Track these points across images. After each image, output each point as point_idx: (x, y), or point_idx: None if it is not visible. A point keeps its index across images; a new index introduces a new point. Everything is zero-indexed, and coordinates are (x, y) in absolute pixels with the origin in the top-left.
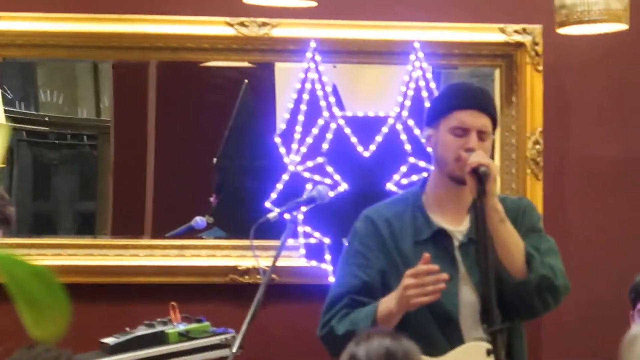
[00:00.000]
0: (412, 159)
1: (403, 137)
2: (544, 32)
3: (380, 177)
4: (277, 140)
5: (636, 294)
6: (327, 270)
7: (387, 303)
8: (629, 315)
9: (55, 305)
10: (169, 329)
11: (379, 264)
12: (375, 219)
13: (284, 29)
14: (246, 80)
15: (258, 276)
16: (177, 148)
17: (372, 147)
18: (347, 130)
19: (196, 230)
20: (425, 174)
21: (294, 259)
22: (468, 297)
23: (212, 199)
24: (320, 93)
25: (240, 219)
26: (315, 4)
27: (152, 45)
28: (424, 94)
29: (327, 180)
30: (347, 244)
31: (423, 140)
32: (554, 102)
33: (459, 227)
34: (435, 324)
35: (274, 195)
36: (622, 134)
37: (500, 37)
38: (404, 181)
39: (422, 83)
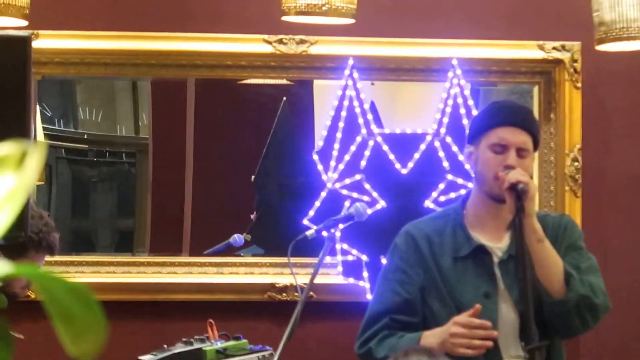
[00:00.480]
0: (450, 177)
1: (441, 154)
2: (583, 49)
3: (418, 195)
4: (315, 157)
5: None
6: (365, 287)
7: (430, 339)
8: None
9: (92, 323)
10: (207, 347)
11: (419, 280)
12: (415, 234)
13: (322, 47)
14: (284, 98)
15: (296, 294)
16: (215, 165)
17: (410, 165)
18: (385, 148)
19: (234, 248)
20: (463, 191)
21: (332, 276)
22: (507, 314)
23: (252, 216)
24: (358, 110)
25: (278, 237)
26: (353, 21)
27: (190, 62)
28: (462, 111)
29: (365, 198)
30: (386, 259)
31: (462, 158)
32: (592, 119)
33: (498, 244)
34: None
35: (311, 213)
36: None
37: (538, 54)
38: (442, 198)
39: (460, 100)
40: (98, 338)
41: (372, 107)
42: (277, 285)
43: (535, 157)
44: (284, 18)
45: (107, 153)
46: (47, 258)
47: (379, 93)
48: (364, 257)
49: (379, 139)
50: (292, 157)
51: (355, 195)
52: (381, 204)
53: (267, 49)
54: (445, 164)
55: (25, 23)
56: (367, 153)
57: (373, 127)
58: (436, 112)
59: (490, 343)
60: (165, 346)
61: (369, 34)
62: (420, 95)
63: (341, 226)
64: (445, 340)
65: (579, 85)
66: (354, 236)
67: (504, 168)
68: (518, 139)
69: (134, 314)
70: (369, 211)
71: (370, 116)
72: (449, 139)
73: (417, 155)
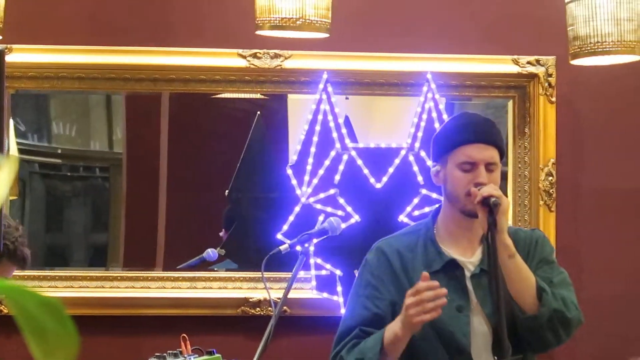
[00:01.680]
0: (424, 191)
1: (415, 168)
2: (558, 64)
3: (392, 209)
4: (289, 171)
5: None
6: (339, 302)
7: (393, 328)
8: None
9: (64, 337)
10: None
11: (390, 296)
12: (386, 250)
13: (296, 61)
14: (258, 112)
15: (269, 308)
16: (189, 180)
17: (384, 179)
18: (359, 162)
19: (208, 262)
20: (437, 206)
21: (306, 291)
22: (480, 328)
23: (221, 234)
24: (332, 124)
25: (252, 251)
26: (327, 35)
27: (164, 77)
28: (436, 125)
29: (339, 212)
30: (357, 275)
31: (432, 175)
32: (567, 134)
33: (470, 258)
34: (446, 355)
35: (285, 227)
36: (635, 165)
37: (513, 69)
38: (416, 213)
39: (434, 114)
40: (70, 353)
41: (347, 121)
42: (250, 300)
43: (510, 172)
44: (258, 32)
45: (81, 168)
46: (18, 272)
47: (353, 107)
48: (338, 272)
49: (353, 153)
50: (266, 171)
51: (329, 209)
52: (355, 218)
53: (241, 63)
54: (420, 178)
55: None
56: (341, 167)
57: (347, 141)
58: (410, 127)
59: (443, 300)
60: None
61: (344, 49)
62: (395, 110)
63: (315, 241)
64: (403, 318)
65: (554, 99)
66: (327, 251)
67: (475, 185)
68: (485, 155)
69: (107, 328)
70: (343, 226)
71: (344, 130)
72: (423, 153)
73: (391, 170)
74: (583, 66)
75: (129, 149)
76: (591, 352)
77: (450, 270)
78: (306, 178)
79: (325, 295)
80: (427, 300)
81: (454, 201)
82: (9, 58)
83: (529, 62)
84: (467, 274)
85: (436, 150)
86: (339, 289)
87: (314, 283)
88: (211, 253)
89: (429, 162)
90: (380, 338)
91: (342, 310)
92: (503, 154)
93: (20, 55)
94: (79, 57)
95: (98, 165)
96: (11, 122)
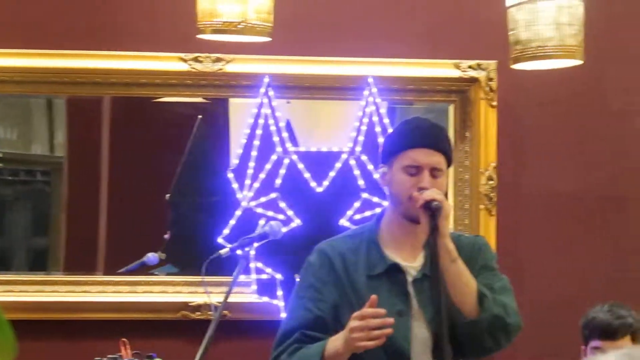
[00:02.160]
0: (365, 195)
1: (356, 172)
2: (499, 68)
3: (333, 213)
4: (231, 175)
5: (590, 331)
6: (279, 306)
7: (335, 342)
8: (580, 352)
9: (2, 342)
10: None
11: (332, 298)
12: (329, 252)
13: (237, 65)
14: (200, 116)
15: (210, 312)
16: (131, 184)
17: (326, 183)
18: (301, 166)
19: (148, 267)
20: (378, 210)
21: (246, 295)
22: (420, 333)
23: (166, 236)
24: (273, 128)
25: (193, 255)
26: (269, 39)
27: (105, 80)
28: (378, 129)
29: (280, 216)
30: (299, 277)
31: (377, 176)
32: (507, 138)
33: (413, 263)
34: (386, 359)
35: (226, 231)
36: (575, 169)
37: (454, 73)
38: (357, 217)
39: (375, 118)
40: (8, 358)
41: (288, 125)
42: (191, 304)
43: (450, 176)
44: (200, 36)
45: (22, 172)
46: None
47: (294, 111)
48: (279, 276)
49: (295, 157)
50: (207, 175)
51: (270, 213)
52: (296, 222)
53: (182, 67)
54: (361, 182)
55: None
56: (282, 171)
57: (288, 145)
58: (352, 131)
59: (389, 330)
60: None
61: (285, 52)
62: (336, 114)
63: (256, 245)
64: (346, 338)
65: (495, 103)
66: (268, 255)
67: (418, 189)
68: (431, 160)
69: (47, 333)
70: (284, 229)
71: (285, 134)
72: (364, 158)
73: (332, 174)
74: (524, 70)
75: (71, 152)
76: (530, 357)
77: (392, 275)
78: (247, 182)
79: (265, 299)
80: (372, 327)
81: (397, 204)
82: None
83: (470, 67)
84: (409, 278)
85: (384, 152)
86: (280, 293)
87: (254, 287)
88: (152, 257)
89: (370, 166)
90: (321, 349)
91: (283, 314)
92: (450, 162)
93: None
94: (20, 60)
95: (39, 169)
96: None
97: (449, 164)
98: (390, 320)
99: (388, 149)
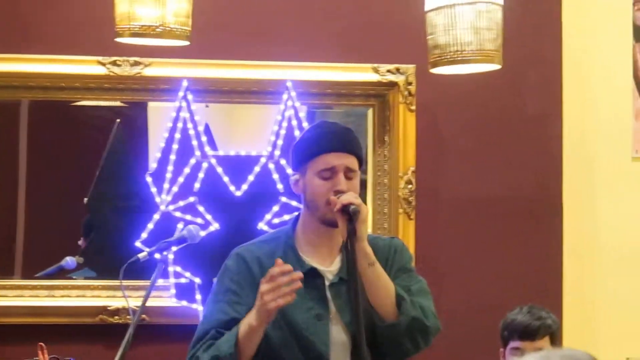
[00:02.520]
0: (284, 199)
1: (275, 176)
2: (417, 72)
3: (252, 217)
4: (149, 179)
5: (509, 332)
6: (198, 310)
7: (247, 320)
8: (499, 354)
9: None
10: None
11: (249, 302)
12: (246, 257)
13: (156, 68)
14: (118, 120)
15: (128, 316)
16: (49, 188)
17: (244, 187)
18: (219, 170)
19: (66, 271)
20: (296, 213)
21: (165, 299)
22: (339, 336)
23: (80, 243)
24: (192, 132)
25: (111, 259)
26: (187, 43)
27: (23, 84)
28: (297, 133)
29: (199, 220)
30: (216, 281)
31: (291, 184)
32: (426, 142)
33: (330, 267)
34: None
35: (144, 235)
36: (494, 172)
37: (373, 77)
38: (276, 220)
39: (294, 122)
40: None
41: (207, 129)
42: (109, 308)
43: (369, 180)
44: (118, 40)
45: None
46: None
47: (213, 115)
48: (197, 280)
49: (213, 161)
50: (125, 179)
51: (188, 217)
52: (215, 226)
53: (100, 70)
54: (280, 186)
55: None
56: (200, 175)
57: (207, 149)
58: (270, 135)
59: (299, 284)
60: None
61: (204, 56)
62: (255, 118)
63: (174, 249)
64: (258, 307)
65: (413, 108)
66: (187, 259)
67: (335, 193)
68: (345, 162)
69: None
70: (202, 233)
71: (204, 138)
72: (283, 162)
73: (251, 178)
74: (443, 75)
75: None
76: (448, 359)
77: (310, 279)
78: (166, 186)
79: (184, 303)
80: (282, 284)
81: (313, 210)
82: None
83: (388, 71)
84: (327, 282)
85: (295, 159)
86: (198, 297)
87: (173, 291)
88: (70, 261)
89: (289, 170)
90: (235, 332)
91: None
92: (362, 162)
93: None
94: None
95: None
96: None
97: (360, 165)
98: (299, 274)
99: (299, 156)
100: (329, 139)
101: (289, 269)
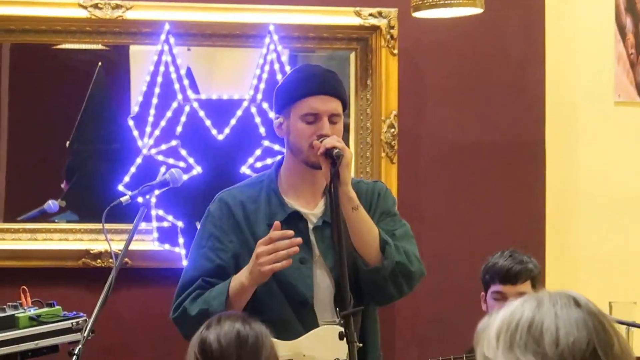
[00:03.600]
0: (266, 142)
1: (257, 120)
2: (400, 16)
3: (234, 161)
4: (131, 123)
5: (491, 276)
6: (180, 253)
7: (239, 277)
8: (480, 298)
9: None
10: (20, 313)
11: (233, 248)
12: (229, 201)
13: (137, 12)
14: (100, 63)
15: (110, 260)
16: (30, 131)
17: (227, 131)
18: (201, 114)
19: (48, 214)
20: (279, 157)
21: (147, 242)
22: (322, 280)
23: (62, 185)
24: (174, 76)
25: (93, 203)
26: None
27: (3, 27)
28: (279, 77)
29: (181, 164)
30: (200, 226)
31: (275, 127)
32: (409, 86)
33: (313, 210)
34: (289, 308)
35: (127, 179)
36: (476, 118)
37: (355, 21)
38: (259, 164)
39: (276, 66)
40: None
41: (189, 72)
42: (91, 252)
43: (352, 123)
44: None
45: None
46: None
47: (195, 59)
48: (180, 224)
49: (195, 104)
50: (107, 122)
51: (170, 161)
52: (197, 170)
53: (82, 13)
54: (262, 129)
55: None
56: (183, 119)
57: (189, 92)
58: (253, 78)
59: (295, 249)
60: None
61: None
62: (237, 61)
63: (156, 192)
64: (252, 267)
65: (396, 51)
66: (169, 202)
67: (319, 137)
68: (329, 107)
69: None
70: (185, 177)
71: (186, 82)
72: (265, 105)
73: (233, 121)
74: (425, 19)
75: None
76: (432, 304)
77: (293, 223)
78: (148, 129)
79: (166, 247)
80: (281, 248)
81: (297, 153)
82: None
83: (371, 14)
84: (311, 226)
85: (279, 102)
86: (181, 240)
87: (155, 235)
88: (52, 205)
89: (272, 114)
90: (225, 288)
91: (184, 262)
92: (346, 106)
93: None
94: None
95: None
96: None
97: (344, 109)
98: (299, 240)
99: (283, 99)
100: (312, 81)
101: (290, 234)
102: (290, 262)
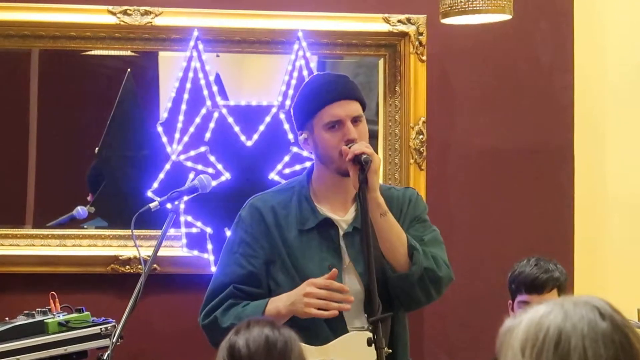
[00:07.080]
0: (294, 149)
1: (286, 126)
2: (428, 22)
3: (262, 167)
4: (160, 129)
5: (517, 285)
6: (209, 260)
7: (277, 303)
8: (508, 306)
9: None
10: (49, 319)
11: (263, 254)
12: (260, 207)
13: (167, 18)
14: (129, 69)
15: (139, 266)
16: (60, 137)
17: (255, 137)
18: (230, 120)
19: (77, 220)
20: (308, 164)
21: (176, 248)
22: (352, 286)
23: (88, 198)
24: (202, 82)
25: (122, 209)
26: None
27: (33, 33)
28: None
29: (210, 170)
30: (231, 232)
31: (301, 144)
32: (437, 92)
33: (344, 217)
34: None
35: (155, 185)
36: (504, 124)
37: (384, 27)
38: (287, 171)
39: (305, 72)
40: None
41: (217, 79)
42: (120, 258)
43: (380, 130)
44: None
45: None
46: None
47: (224, 65)
48: (208, 230)
49: (224, 110)
50: (136, 128)
51: (199, 167)
52: (226, 176)
53: (111, 20)
54: (290, 136)
55: None
56: (211, 125)
57: (218, 99)
58: (281, 85)
59: (347, 306)
60: (7, 319)
61: (214, 6)
62: (266, 67)
63: (185, 198)
64: (296, 300)
65: (424, 58)
66: (198, 208)
67: (346, 142)
68: (349, 110)
69: None
70: (214, 183)
71: (215, 88)
72: None
73: (262, 128)
74: (453, 25)
75: None
76: (460, 310)
77: (324, 229)
78: (177, 135)
79: (195, 253)
80: (335, 299)
81: (328, 164)
82: None
83: (399, 21)
84: (341, 232)
85: (299, 119)
86: (209, 246)
87: (184, 241)
88: (81, 211)
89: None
90: (261, 309)
91: (213, 268)
92: (364, 105)
93: None
94: None
95: None
96: None
97: (364, 108)
98: (352, 298)
99: (303, 114)
100: (328, 90)
101: (347, 290)
102: (336, 315)
